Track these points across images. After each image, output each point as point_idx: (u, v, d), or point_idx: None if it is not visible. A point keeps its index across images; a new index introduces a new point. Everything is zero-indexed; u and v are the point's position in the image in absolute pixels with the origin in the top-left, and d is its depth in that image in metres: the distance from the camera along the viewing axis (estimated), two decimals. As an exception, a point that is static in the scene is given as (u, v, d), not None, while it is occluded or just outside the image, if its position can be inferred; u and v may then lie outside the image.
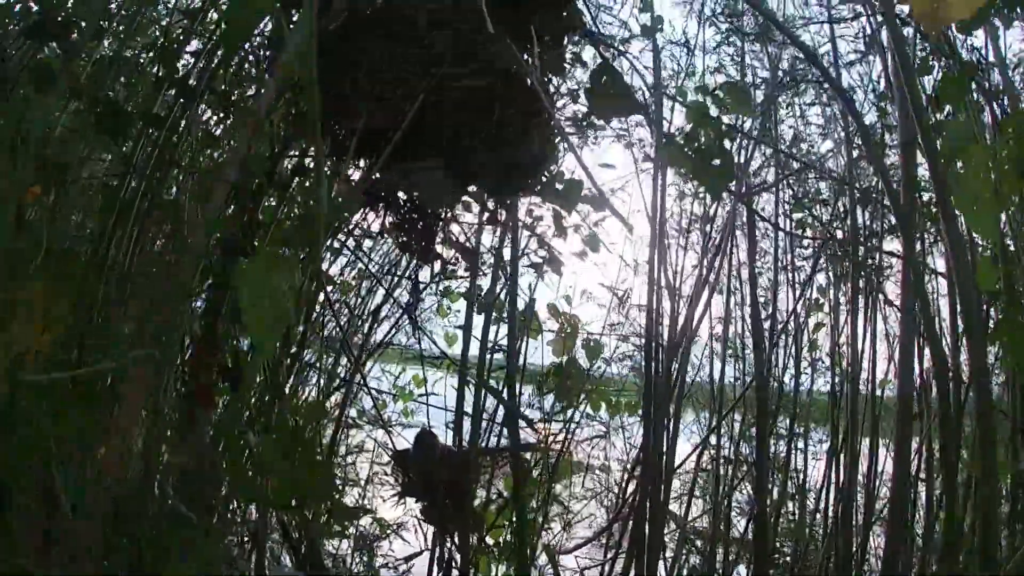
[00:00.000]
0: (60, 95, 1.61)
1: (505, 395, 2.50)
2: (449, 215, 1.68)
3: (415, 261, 1.75)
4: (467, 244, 1.92)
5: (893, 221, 3.41)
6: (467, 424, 2.66)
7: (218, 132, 2.37)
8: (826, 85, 3.72)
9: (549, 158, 1.55)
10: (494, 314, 2.62)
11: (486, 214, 1.76)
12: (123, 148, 2.06)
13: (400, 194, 1.56)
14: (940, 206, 1.33)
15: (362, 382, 3.26)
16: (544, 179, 1.63)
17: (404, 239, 1.66)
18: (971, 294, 1.35)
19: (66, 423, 1.44)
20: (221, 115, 2.29)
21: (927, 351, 3.69)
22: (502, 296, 2.60)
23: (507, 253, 2.38)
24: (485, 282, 2.69)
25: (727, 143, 1.57)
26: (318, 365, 3.43)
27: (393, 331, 3.34)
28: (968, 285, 1.34)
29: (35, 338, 1.24)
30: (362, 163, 1.52)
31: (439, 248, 1.68)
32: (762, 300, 3.63)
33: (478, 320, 2.63)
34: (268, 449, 1.30)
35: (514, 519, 2.72)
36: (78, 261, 1.83)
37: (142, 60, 2.43)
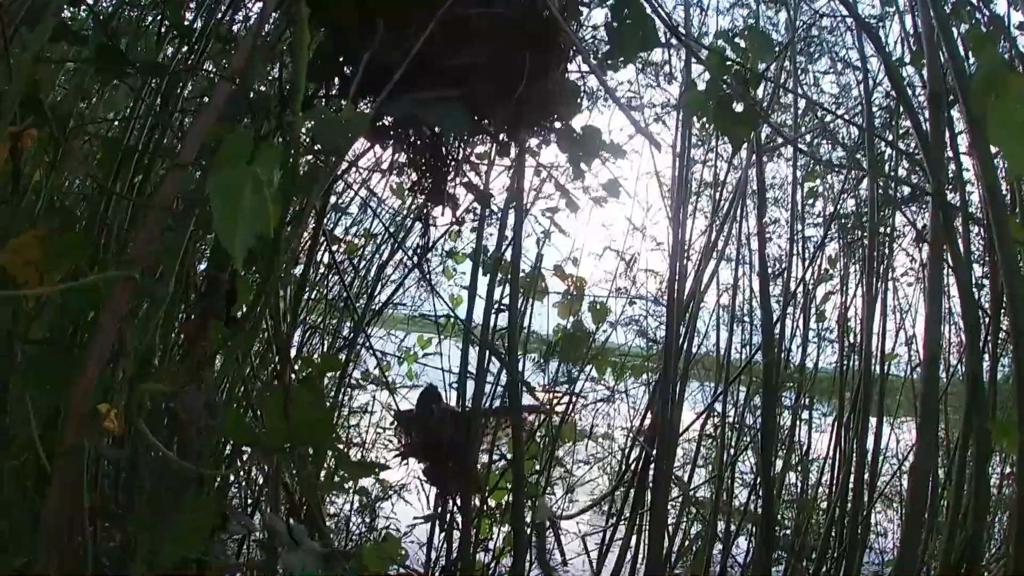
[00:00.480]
0: (49, 32, 1.54)
1: (505, 356, 2.47)
2: (462, 155, 1.63)
3: (427, 204, 1.69)
4: (480, 186, 1.87)
5: (907, 191, 3.36)
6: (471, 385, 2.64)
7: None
8: (841, 52, 3.66)
9: (566, 96, 1.50)
10: (499, 275, 2.59)
11: (497, 147, 1.70)
12: (126, 96, 2.02)
13: (411, 132, 1.52)
14: (975, 148, 1.28)
15: (366, 343, 3.23)
16: (560, 126, 1.58)
17: (416, 179, 1.61)
18: (1009, 245, 1.28)
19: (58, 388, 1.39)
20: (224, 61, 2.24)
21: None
22: (508, 255, 2.56)
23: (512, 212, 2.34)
24: (490, 244, 2.66)
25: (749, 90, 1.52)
26: (321, 326, 3.41)
27: (398, 292, 3.32)
28: (1005, 234, 1.27)
29: (33, 285, 1.20)
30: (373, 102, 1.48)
31: (451, 190, 1.63)
32: (771, 269, 3.59)
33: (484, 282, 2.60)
34: (270, 395, 1.26)
35: (510, 481, 2.72)
36: (78, 223, 1.79)
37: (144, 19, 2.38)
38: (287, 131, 1.30)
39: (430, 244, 2.61)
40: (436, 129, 1.46)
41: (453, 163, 1.56)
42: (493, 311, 2.56)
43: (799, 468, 4.05)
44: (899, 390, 4.12)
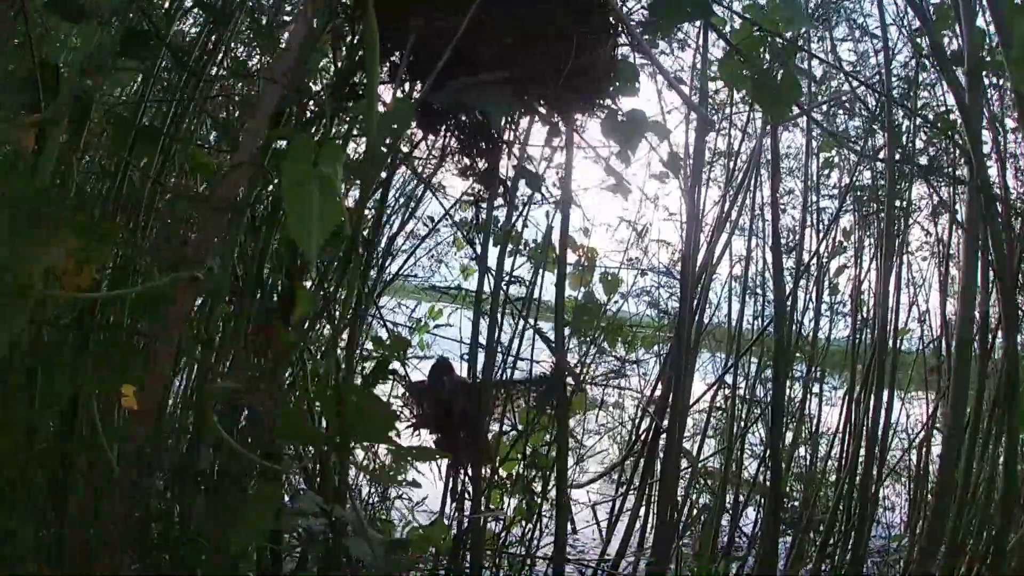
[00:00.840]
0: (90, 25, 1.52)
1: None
2: (512, 138, 1.60)
3: (479, 187, 1.68)
4: (534, 170, 1.85)
5: (924, 161, 3.31)
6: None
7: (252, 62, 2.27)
8: (859, 20, 3.57)
9: (622, 73, 1.46)
10: (509, 246, 2.58)
11: (547, 128, 1.67)
12: (145, 75, 1.99)
13: (462, 116, 1.48)
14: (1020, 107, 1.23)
15: (377, 313, 3.23)
16: (605, 112, 1.54)
17: (467, 163, 1.58)
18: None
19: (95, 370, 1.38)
20: (254, 42, 2.19)
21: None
22: (519, 226, 2.55)
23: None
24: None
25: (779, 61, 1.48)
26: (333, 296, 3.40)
27: (408, 262, 3.30)
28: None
29: (71, 277, 1.18)
30: (418, 85, 1.45)
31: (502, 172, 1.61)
32: (785, 240, 3.56)
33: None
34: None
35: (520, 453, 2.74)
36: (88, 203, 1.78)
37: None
38: (342, 121, 1.28)
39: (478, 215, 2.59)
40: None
41: (504, 145, 1.54)
42: (504, 283, 2.55)
43: (809, 441, 4.05)
44: (911, 365, 4.11)
